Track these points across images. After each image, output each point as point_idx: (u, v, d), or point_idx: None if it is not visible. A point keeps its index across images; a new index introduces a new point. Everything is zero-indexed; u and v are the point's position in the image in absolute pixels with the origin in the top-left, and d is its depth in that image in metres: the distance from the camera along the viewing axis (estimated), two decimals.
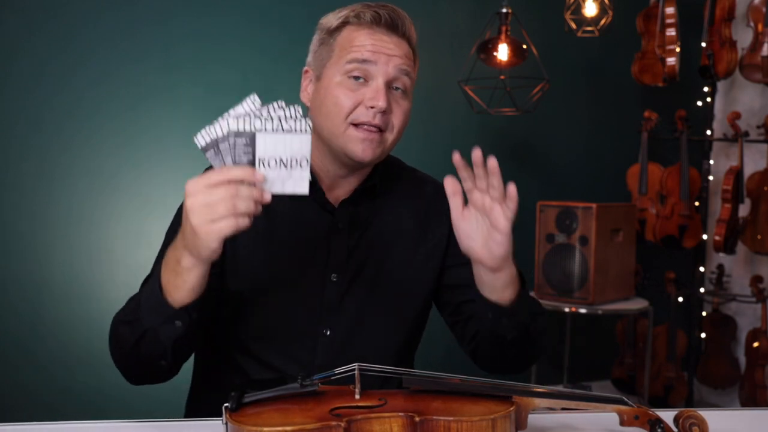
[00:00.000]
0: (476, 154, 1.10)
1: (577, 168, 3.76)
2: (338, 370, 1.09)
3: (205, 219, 1.03)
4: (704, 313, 3.73)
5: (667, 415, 1.06)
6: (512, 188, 1.11)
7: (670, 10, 3.38)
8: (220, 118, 1.05)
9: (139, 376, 1.24)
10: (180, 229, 1.10)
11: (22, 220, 2.84)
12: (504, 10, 3.04)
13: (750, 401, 3.50)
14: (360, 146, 1.29)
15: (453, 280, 1.42)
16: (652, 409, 1.07)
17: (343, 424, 0.95)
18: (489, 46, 3.08)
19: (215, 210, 1.03)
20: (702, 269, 3.75)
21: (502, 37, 3.05)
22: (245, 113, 1.05)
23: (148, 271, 1.31)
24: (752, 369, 3.51)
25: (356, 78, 1.29)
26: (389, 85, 1.30)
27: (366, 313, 1.36)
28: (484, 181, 1.12)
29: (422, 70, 3.92)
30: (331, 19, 1.35)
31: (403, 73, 1.31)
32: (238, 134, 1.04)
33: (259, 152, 1.05)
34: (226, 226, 1.03)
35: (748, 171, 3.55)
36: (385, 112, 1.29)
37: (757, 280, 3.52)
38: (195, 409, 1.42)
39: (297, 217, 1.35)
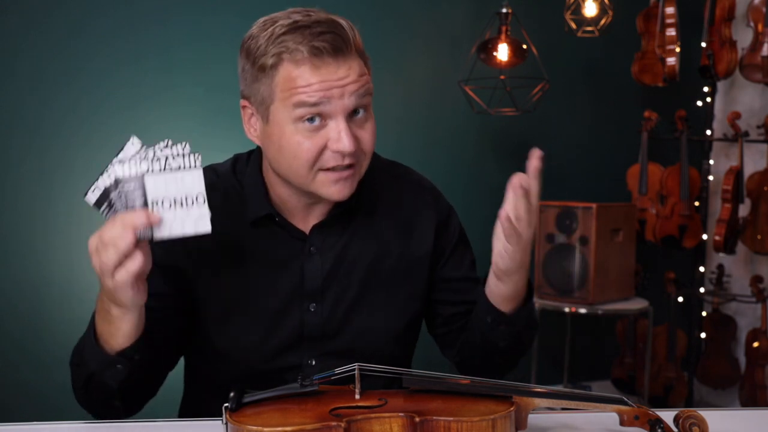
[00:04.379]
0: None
1: (577, 168, 3.75)
2: (338, 370, 1.08)
3: (106, 275, 1.01)
4: (704, 313, 3.73)
5: (667, 415, 1.06)
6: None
7: (670, 10, 3.38)
8: (105, 169, 1.01)
9: (98, 414, 1.20)
10: None
11: (22, 220, 2.84)
12: (504, 10, 3.04)
13: (750, 401, 3.50)
14: (335, 188, 1.18)
15: (443, 294, 1.37)
16: (652, 409, 1.07)
17: (343, 425, 0.95)
18: (489, 46, 3.08)
19: (107, 263, 1.00)
20: (702, 269, 3.75)
21: (502, 37, 3.05)
22: (129, 157, 1.01)
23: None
24: (752, 369, 3.51)
25: (311, 120, 1.14)
26: (350, 115, 1.17)
27: (351, 339, 1.28)
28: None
29: (422, 70, 3.91)
30: (262, 54, 1.16)
31: (363, 95, 1.16)
32: (126, 181, 1.01)
33: (151, 195, 1.01)
34: (124, 274, 1.01)
35: (748, 171, 3.55)
36: (354, 150, 1.16)
37: (757, 280, 3.52)
38: (189, 412, 1.41)
39: (265, 249, 1.26)
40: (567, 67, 3.62)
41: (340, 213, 1.28)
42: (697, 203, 3.59)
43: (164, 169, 1.01)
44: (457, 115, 3.41)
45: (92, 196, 1.02)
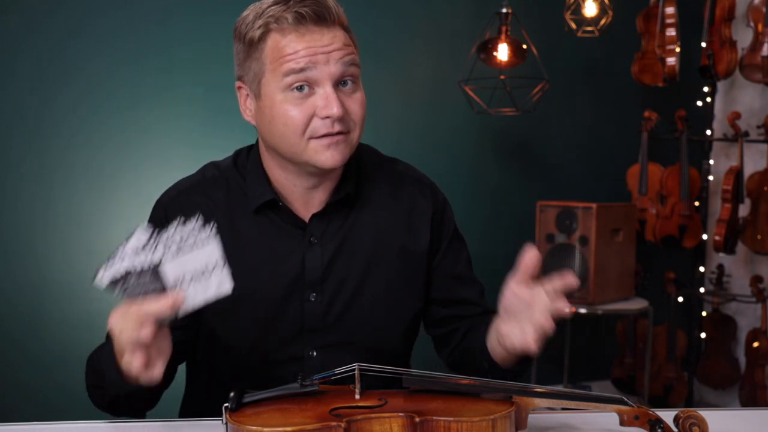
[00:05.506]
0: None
1: (577, 168, 3.75)
2: (338, 370, 1.08)
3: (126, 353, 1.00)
4: (704, 313, 3.73)
5: (667, 415, 1.06)
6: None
7: (670, 10, 3.38)
8: (117, 255, 0.97)
9: (123, 416, 1.22)
10: None
11: (22, 220, 2.84)
12: (504, 10, 3.04)
13: (750, 401, 3.50)
14: (326, 155, 1.19)
15: (439, 292, 1.37)
16: (652, 409, 1.07)
17: (343, 425, 0.95)
18: (489, 46, 3.08)
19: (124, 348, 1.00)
20: (702, 269, 3.74)
21: (502, 37, 3.05)
22: (142, 246, 0.98)
23: None
24: (752, 369, 3.51)
25: (299, 89, 1.18)
26: (338, 84, 1.19)
27: (351, 330, 1.29)
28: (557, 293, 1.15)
29: (422, 70, 3.90)
30: (250, 28, 1.20)
31: (349, 64, 1.19)
32: (141, 272, 0.97)
33: (171, 278, 0.99)
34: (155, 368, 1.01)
35: (748, 171, 3.55)
36: (342, 116, 1.18)
37: (757, 280, 3.52)
38: (189, 412, 1.41)
39: (266, 239, 1.27)
40: (567, 67, 3.62)
41: (339, 201, 1.29)
42: (697, 203, 3.59)
43: (179, 250, 0.99)
44: (457, 115, 3.41)
45: (105, 280, 0.98)
